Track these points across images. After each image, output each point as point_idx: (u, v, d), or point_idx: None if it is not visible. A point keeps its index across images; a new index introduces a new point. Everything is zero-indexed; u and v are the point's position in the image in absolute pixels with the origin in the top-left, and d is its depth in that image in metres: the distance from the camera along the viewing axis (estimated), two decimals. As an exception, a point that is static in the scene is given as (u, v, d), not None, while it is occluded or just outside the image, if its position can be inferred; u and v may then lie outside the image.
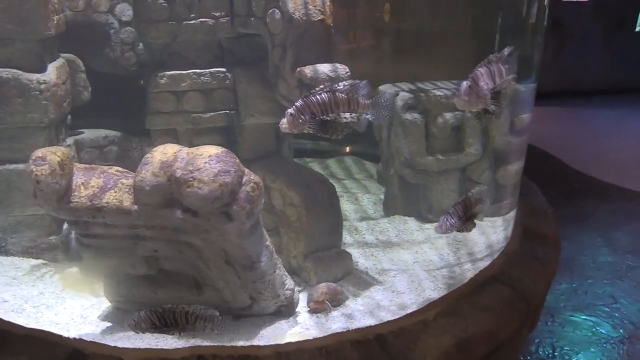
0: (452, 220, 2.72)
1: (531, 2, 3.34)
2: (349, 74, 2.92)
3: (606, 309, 4.14)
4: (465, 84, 2.57)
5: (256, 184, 2.33)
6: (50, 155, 2.35)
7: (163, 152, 2.33)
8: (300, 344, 2.27)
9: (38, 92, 3.28)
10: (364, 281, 3.15)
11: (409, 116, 4.07)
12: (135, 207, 2.31)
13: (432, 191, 4.11)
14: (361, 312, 2.82)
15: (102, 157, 3.88)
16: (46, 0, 3.24)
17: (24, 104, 3.26)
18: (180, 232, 2.34)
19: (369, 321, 2.69)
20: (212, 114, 3.42)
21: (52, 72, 3.38)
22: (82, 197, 2.32)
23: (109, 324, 2.79)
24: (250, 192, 2.29)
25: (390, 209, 4.34)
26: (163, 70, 3.38)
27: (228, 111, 3.42)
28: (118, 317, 2.85)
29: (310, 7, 2.95)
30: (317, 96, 2.46)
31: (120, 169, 2.45)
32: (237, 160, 2.36)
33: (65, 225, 3.42)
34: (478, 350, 2.35)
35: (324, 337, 2.32)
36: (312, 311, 2.84)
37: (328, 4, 3.00)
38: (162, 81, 3.35)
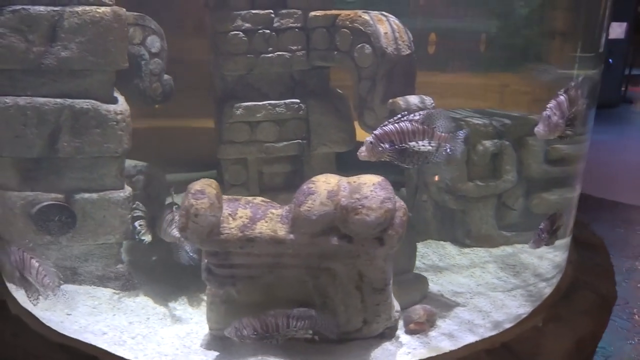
0: (544, 236, 2.94)
1: (600, 34, 3.62)
2: (434, 104, 3.11)
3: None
4: (545, 114, 2.80)
5: (405, 209, 2.46)
6: (207, 188, 2.40)
7: (326, 182, 2.42)
8: (438, 358, 2.40)
9: (115, 123, 3.29)
10: (443, 303, 3.30)
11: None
12: (291, 236, 2.39)
13: (471, 216, 4.30)
14: (458, 330, 2.97)
15: (130, 186, 3.88)
16: (125, 33, 3.27)
17: (101, 134, 3.27)
18: (326, 258, 2.43)
19: (471, 338, 2.85)
20: (284, 143, 3.52)
21: (124, 103, 3.40)
22: (232, 228, 2.38)
23: (216, 353, 2.82)
24: (402, 217, 2.42)
25: (422, 234, 4.49)
26: (236, 102, 3.45)
27: (300, 140, 3.53)
28: (221, 346, 2.88)
29: (400, 42, 3.13)
30: (396, 125, 2.58)
31: (263, 199, 2.52)
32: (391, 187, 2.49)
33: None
34: (588, 349, 2.57)
35: (456, 350, 2.46)
36: (411, 332, 2.96)
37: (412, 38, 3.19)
38: (238, 112, 3.43)
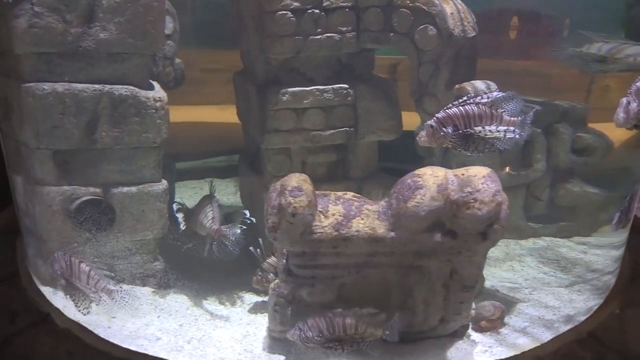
0: (622, 217, 2.83)
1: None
2: (498, 90, 2.94)
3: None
4: (624, 101, 2.65)
5: (507, 201, 2.30)
6: (304, 184, 2.20)
7: (434, 175, 2.25)
8: (534, 351, 2.28)
9: (154, 111, 3.06)
10: (501, 299, 3.17)
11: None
12: (392, 233, 2.21)
13: None
14: (531, 326, 2.85)
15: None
16: (164, 13, 3.03)
17: (140, 122, 3.04)
18: (422, 256, 2.26)
19: (547, 333, 2.73)
20: (332, 131, 3.32)
21: (161, 90, 3.17)
22: (325, 226, 2.18)
23: (281, 358, 2.65)
24: (506, 210, 2.26)
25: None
26: (281, 87, 3.24)
27: (348, 128, 3.34)
28: (284, 349, 2.71)
29: (465, 23, 2.95)
30: (461, 107, 2.37)
31: (353, 193, 2.33)
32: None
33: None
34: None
35: (546, 343, 2.35)
36: (482, 330, 2.83)
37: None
38: (284, 98, 3.22)
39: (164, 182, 3.22)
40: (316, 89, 3.26)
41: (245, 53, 3.73)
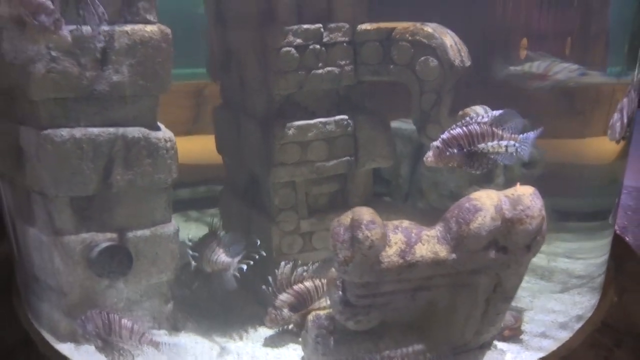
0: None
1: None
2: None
3: None
4: (616, 117, 2.96)
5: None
6: (376, 217, 2.27)
7: (489, 197, 2.39)
8: (565, 346, 2.48)
9: (165, 151, 3.05)
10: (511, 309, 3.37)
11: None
12: (454, 255, 2.32)
13: None
14: (548, 330, 3.06)
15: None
16: (172, 54, 3.04)
17: (152, 164, 3.01)
18: (476, 273, 2.40)
19: (565, 333, 2.96)
20: (334, 161, 3.42)
21: (167, 130, 3.16)
22: (391, 255, 2.27)
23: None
24: (546, 223, 2.45)
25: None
26: (285, 121, 3.31)
27: (349, 158, 3.45)
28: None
29: (462, 53, 3.17)
30: (464, 128, 2.56)
31: (408, 221, 2.42)
32: None
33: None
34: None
35: (571, 338, 2.59)
36: (505, 339, 3.00)
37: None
38: (290, 132, 3.29)
39: (174, 223, 3.18)
40: (319, 121, 3.35)
41: (229, 87, 3.77)
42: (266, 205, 3.51)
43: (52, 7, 2.09)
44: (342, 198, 3.62)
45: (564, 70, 3.92)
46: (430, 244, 2.35)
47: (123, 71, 2.84)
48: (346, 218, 2.38)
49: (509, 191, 2.47)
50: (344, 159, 3.45)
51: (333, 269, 2.49)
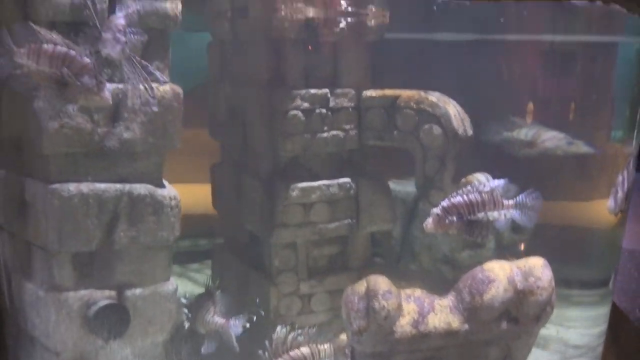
0: None
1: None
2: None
3: None
4: (615, 189, 3.03)
5: None
6: (392, 287, 2.27)
7: (502, 268, 2.41)
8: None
9: (169, 209, 3.04)
10: None
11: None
12: (466, 326, 2.31)
13: None
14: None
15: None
16: (181, 112, 3.06)
17: (156, 221, 2.99)
18: (487, 344, 2.39)
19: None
20: (336, 224, 3.43)
21: (172, 187, 3.15)
22: (404, 325, 2.26)
23: None
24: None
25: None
26: (289, 182, 3.33)
27: (350, 220, 3.46)
28: None
29: (465, 122, 3.24)
30: (465, 196, 2.61)
31: (420, 290, 2.42)
32: None
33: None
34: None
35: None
36: None
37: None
38: (294, 193, 3.31)
39: (173, 282, 3.14)
40: (323, 183, 3.37)
41: (230, 145, 3.79)
42: (265, 265, 3.48)
43: (95, 68, 2.11)
44: (342, 260, 3.61)
45: (552, 139, 4.03)
46: (443, 313, 2.35)
47: (134, 128, 2.85)
48: (360, 286, 2.38)
49: (520, 262, 2.49)
50: (346, 221, 3.46)
51: (341, 337, 2.47)
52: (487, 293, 2.36)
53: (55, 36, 2.11)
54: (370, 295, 2.30)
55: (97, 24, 2.08)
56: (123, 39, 2.04)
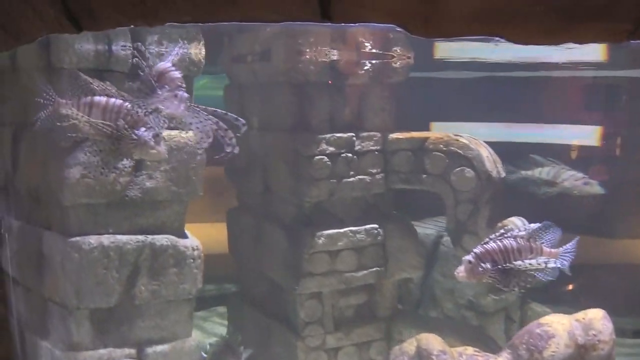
0: None
1: None
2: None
3: None
4: None
5: None
6: (445, 346, 2.12)
7: (561, 322, 2.28)
8: None
9: (192, 260, 2.90)
10: None
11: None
12: None
13: (489, 332, 4.11)
14: None
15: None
16: (204, 160, 2.95)
17: (178, 273, 2.85)
18: None
19: None
20: (364, 272, 3.29)
21: (194, 237, 3.02)
22: None
23: None
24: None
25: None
26: (315, 230, 3.20)
27: (378, 268, 3.32)
28: None
29: (497, 164, 3.13)
30: (498, 242, 2.39)
31: (473, 348, 2.27)
32: None
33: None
34: None
35: None
36: None
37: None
38: (320, 241, 3.17)
39: (195, 337, 2.98)
40: (349, 230, 3.24)
41: (248, 191, 3.66)
42: (290, 318, 3.32)
43: (151, 121, 1.98)
44: (369, 310, 3.45)
45: (570, 178, 3.93)
46: (497, 372, 2.20)
47: (157, 177, 2.74)
48: (410, 346, 2.23)
49: (579, 315, 2.35)
50: (374, 269, 3.31)
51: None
52: (547, 349, 2.21)
53: (109, 87, 1.99)
54: (422, 355, 2.15)
55: (150, 77, 1.94)
56: (185, 95, 1.92)
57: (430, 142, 3.22)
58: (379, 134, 3.28)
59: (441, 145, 3.19)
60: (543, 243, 2.49)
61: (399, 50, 3.24)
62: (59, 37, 2.39)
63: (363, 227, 3.27)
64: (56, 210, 2.58)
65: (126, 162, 2.56)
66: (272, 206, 3.44)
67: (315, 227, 3.21)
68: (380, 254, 3.33)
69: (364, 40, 3.15)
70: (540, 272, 2.47)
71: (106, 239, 2.61)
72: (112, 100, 1.98)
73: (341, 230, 3.23)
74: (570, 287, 3.63)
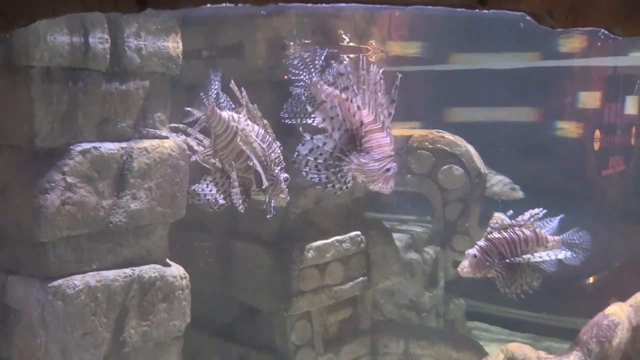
0: None
1: None
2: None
3: None
4: None
5: None
6: (541, 353, 1.91)
7: (622, 309, 2.29)
8: None
9: (180, 291, 2.49)
10: None
11: (414, 256, 3.95)
12: None
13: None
14: None
15: None
16: (187, 172, 2.55)
17: (168, 309, 2.43)
18: None
19: None
20: (351, 283, 3.06)
21: (178, 265, 2.60)
22: None
23: None
24: None
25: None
26: (302, 243, 2.91)
27: (362, 278, 3.11)
28: None
29: (481, 160, 3.06)
30: (503, 233, 2.24)
31: (544, 352, 2.10)
32: None
33: None
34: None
35: None
36: None
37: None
38: (309, 254, 2.89)
39: (184, 380, 2.55)
40: (336, 240, 2.99)
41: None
42: (273, 343, 2.98)
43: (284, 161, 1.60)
44: (352, 324, 3.22)
45: (498, 183, 3.82)
46: (576, 371, 2.08)
47: (141, 196, 2.29)
48: (498, 356, 2.02)
49: (631, 300, 2.30)
50: (359, 279, 3.09)
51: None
52: (615, 337, 2.14)
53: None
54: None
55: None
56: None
57: (414, 140, 3.06)
58: (358, 135, 3.04)
59: (426, 143, 3.04)
60: (546, 231, 2.37)
61: (374, 44, 3.04)
62: (27, 29, 1.87)
63: (347, 236, 3.04)
64: (27, 249, 2.03)
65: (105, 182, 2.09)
66: (245, 222, 3.06)
67: (298, 240, 2.90)
68: (363, 262, 3.11)
69: (342, 33, 2.90)
70: (549, 264, 2.34)
71: (92, 278, 2.11)
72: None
73: (328, 241, 2.96)
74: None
